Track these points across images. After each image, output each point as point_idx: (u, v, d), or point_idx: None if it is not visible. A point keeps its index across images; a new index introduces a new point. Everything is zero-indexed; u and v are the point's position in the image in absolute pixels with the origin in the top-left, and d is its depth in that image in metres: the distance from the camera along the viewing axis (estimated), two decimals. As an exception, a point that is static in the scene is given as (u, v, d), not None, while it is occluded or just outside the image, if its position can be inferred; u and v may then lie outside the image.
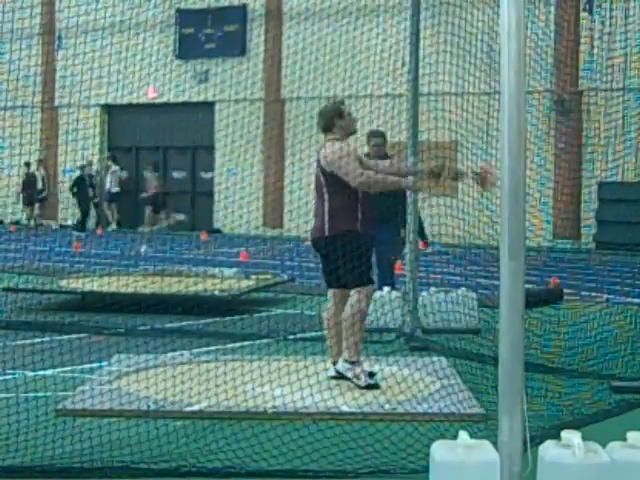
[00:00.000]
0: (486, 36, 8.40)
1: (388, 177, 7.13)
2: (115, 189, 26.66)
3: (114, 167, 26.82)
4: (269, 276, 12.72)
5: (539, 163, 16.53)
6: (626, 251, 18.49)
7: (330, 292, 7.24)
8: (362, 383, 6.85)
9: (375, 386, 6.86)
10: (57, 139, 25.81)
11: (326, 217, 7.04)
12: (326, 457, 5.26)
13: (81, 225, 25.02)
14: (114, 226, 26.35)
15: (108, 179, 26.63)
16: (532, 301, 7.93)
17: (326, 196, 7.06)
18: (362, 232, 7.04)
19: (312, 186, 7.32)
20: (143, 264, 15.51)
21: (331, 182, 7.01)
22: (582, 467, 4.16)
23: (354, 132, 7.32)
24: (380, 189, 7.14)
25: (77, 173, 25.73)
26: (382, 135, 10.06)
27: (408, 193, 9.28)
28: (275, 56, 24.67)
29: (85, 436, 5.44)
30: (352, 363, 6.93)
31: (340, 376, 6.99)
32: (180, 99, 24.51)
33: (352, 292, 7.02)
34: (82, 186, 25.64)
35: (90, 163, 25.72)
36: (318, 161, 7.13)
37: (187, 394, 6.56)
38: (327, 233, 7.04)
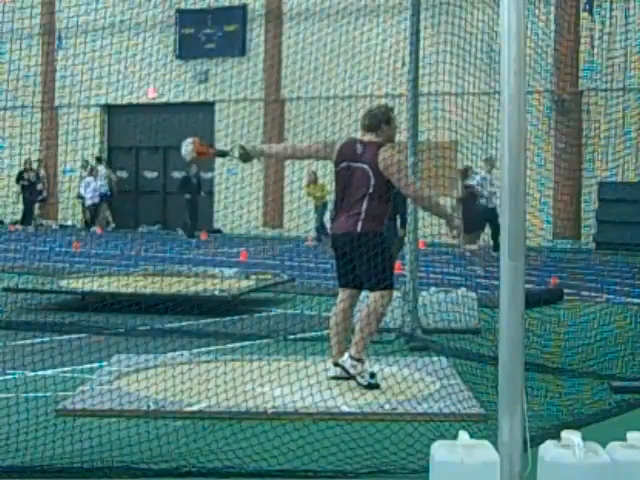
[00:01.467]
0: (486, 36, 8.39)
1: (440, 201, 7.27)
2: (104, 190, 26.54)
3: (103, 169, 26.72)
4: (269, 276, 12.71)
5: (539, 163, 16.50)
6: (626, 251, 18.50)
7: (343, 292, 7.24)
8: (364, 381, 6.85)
9: (375, 386, 6.86)
10: (57, 139, 25.81)
11: (362, 215, 7.05)
12: (326, 457, 5.25)
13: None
14: (112, 226, 26.32)
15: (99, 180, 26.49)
16: (532, 301, 7.93)
17: (367, 197, 7.06)
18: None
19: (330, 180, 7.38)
20: (143, 264, 15.51)
21: (379, 184, 7.03)
22: (582, 467, 4.16)
23: (393, 140, 7.35)
24: (427, 207, 7.34)
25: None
26: None
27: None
28: (275, 56, 24.69)
29: (85, 436, 5.43)
30: (358, 360, 6.93)
31: (341, 377, 6.99)
32: (180, 99, 24.51)
33: (373, 293, 7.04)
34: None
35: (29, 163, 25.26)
36: (368, 160, 7.07)
37: (187, 394, 6.56)
38: (359, 230, 7.04)
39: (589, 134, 18.99)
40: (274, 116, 24.98)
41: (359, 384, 6.85)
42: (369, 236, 7.01)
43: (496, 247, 18.14)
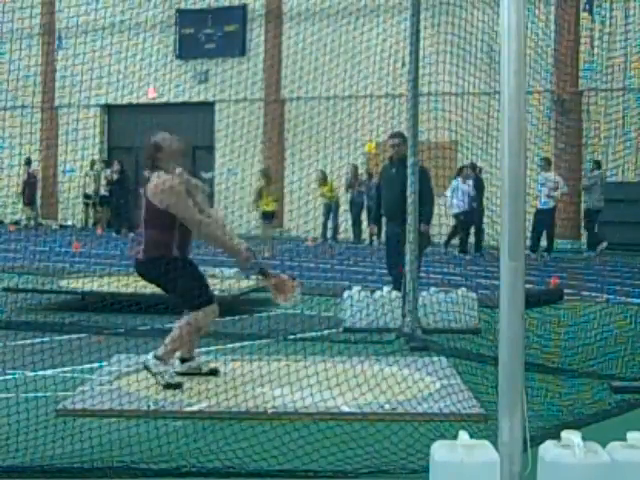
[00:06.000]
0: (486, 36, 8.39)
1: (227, 241, 7.33)
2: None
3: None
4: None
5: (539, 163, 16.56)
6: (626, 251, 18.50)
7: None
8: (163, 382, 6.75)
9: (176, 385, 6.77)
10: (57, 139, 25.81)
11: (143, 242, 6.99)
12: (326, 457, 5.25)
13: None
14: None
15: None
16: (532, 301, 7.93)
17: (143, 224, 7.01)
18: (182, 256, 7.00)
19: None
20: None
21: (152, 214, 6.93)
22: (582, 467, 4.16)
23: (180, 157, 7.33)
24: (211, 242, 7.33)
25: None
26: (401, 135, 10.01)
27: (408, 193, 9.24)
28: (275, 56, 24.70)
29: (85, 436, 5.44)
30: (161, 359, 6.85)
31: (186, 373, 7.04)
32: (180, 99, 24.52)
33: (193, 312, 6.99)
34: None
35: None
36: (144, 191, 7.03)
37: (187, 394, 6.56)
38: (142, 258, 6.98)
39: (589, 134, 19.01)
40: (274, 116, 24.99)
41: (158, 383, 6.76)
42: (152, 262, 6.91)
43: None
